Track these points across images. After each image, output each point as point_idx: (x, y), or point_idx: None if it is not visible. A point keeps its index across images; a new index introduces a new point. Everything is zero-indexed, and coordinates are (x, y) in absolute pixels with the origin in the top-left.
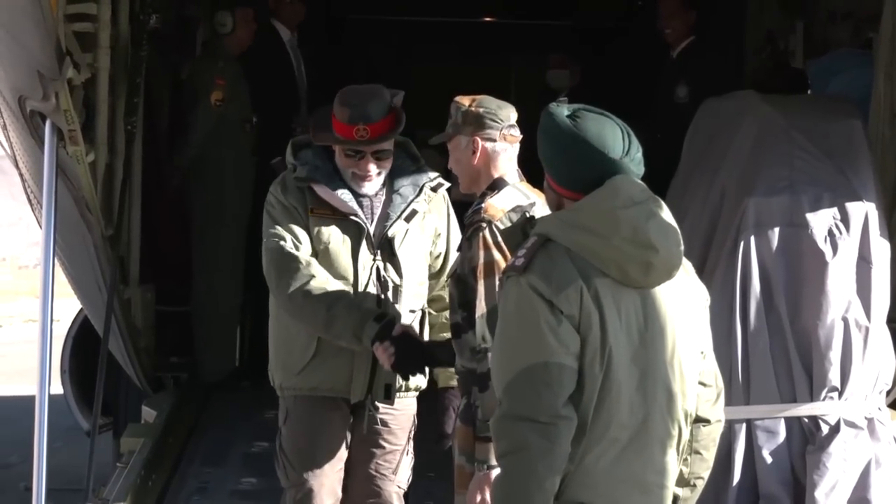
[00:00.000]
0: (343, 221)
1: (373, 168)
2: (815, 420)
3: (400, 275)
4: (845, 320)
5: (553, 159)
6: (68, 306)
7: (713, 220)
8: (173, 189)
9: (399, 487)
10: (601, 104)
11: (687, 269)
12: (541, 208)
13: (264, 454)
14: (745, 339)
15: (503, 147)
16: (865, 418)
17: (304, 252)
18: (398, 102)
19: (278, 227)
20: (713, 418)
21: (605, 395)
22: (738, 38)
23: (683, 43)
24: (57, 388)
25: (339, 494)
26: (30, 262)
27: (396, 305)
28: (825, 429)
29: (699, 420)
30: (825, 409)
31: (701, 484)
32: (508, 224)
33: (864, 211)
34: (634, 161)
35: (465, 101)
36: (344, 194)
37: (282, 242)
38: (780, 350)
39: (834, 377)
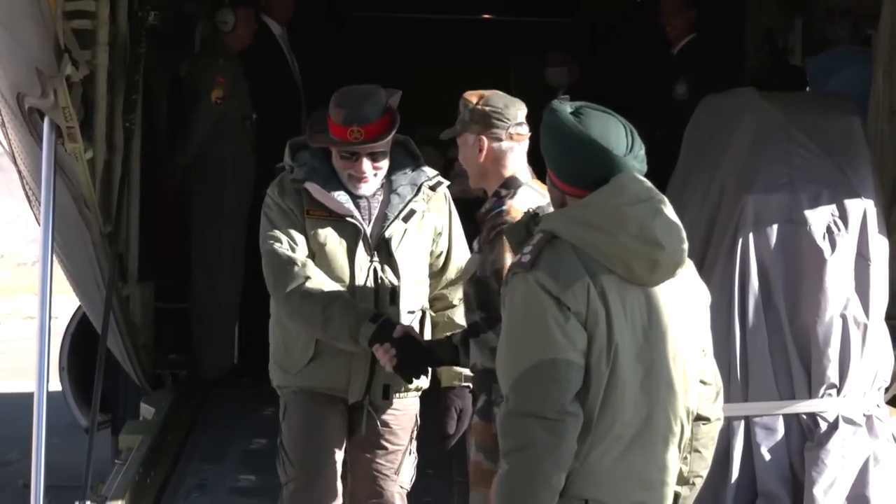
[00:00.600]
0: (340, 223)
1: (368, 169)
2: (813, 417)
3: (398, 275)
4: (844, 317)
5: (557, 156)
6: (67, 303)
7: (712, 217)
8: (173, 186)
9: (402, 487)
10: (600, 101)
11: (689, 267)
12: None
13: (263, 451)
14: (743, 336)
15: (510, 146)
16: (864, 415)
17: (301, 254)
18: (395, 103)
19: (275, 230)
20: (713, 416)
21: (611, 393)
22: (738, 36)
23: (684, 40)
24: (55, 385)
25: (339, 492)
26: (28, 259)
27: (395, 306)
28: (824, 426)
29: (699, 418)
30: (824, 406)
31: (699, 482)
32: None
33: (862, 208)
34: (638, 158)
35: (472, 97)
36: (340, 195)
37: (278, 245)
38: (778, 347)
39: (832, 374)
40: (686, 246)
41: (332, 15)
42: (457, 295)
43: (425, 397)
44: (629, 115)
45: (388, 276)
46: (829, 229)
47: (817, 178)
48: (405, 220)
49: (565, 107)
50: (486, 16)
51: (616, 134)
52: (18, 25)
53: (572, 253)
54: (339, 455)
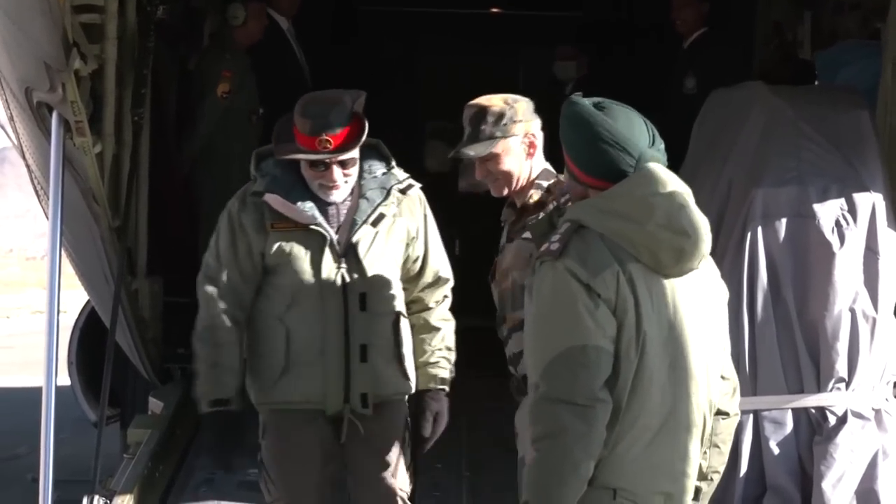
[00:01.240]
0: (305, 232)
1: (339, 177)
2: (822, 411)
3: (366, 281)
4: (852, 311)
5: (582, 149)
6: (75, 298)
7: (721, 211)
8: (181, 180)
9: (402, 490)
10: (608, 95)
11: (710, 261)
12: None
13: None
14: (752, 329)
15: (541, 137)
16: (873, 409)
17: (228, 283)
18: (360, 107)
19: (215, 253)
20: (732, 412)
21: (639, 381)
22: (748, 30)
23: (695, 34)
24: (64, 379)
25: None
26: (37, 253)
27: (364, 311)
28: (832, 420)
29: (719, 413)
30: (832, 399)
31: (717, 478)
32: None
33: (871, 202)
34: (660, 151)
35: (496, 102)
36: (304, 204)
37: (208, 276)
38: (787, 341)
39: (841, 368)
40: (710, 237)
41: (343, 9)
42: (433, 298)
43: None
44: (637, 109)
45: (357, 281)
46: (837, 223)
47: (826, 172)
48: (374, 224)
49: (586, 100)
50: (495, 10)
51: (639, 126)
52: (27, 19)
53: (600, 241)
54: (325, 470)
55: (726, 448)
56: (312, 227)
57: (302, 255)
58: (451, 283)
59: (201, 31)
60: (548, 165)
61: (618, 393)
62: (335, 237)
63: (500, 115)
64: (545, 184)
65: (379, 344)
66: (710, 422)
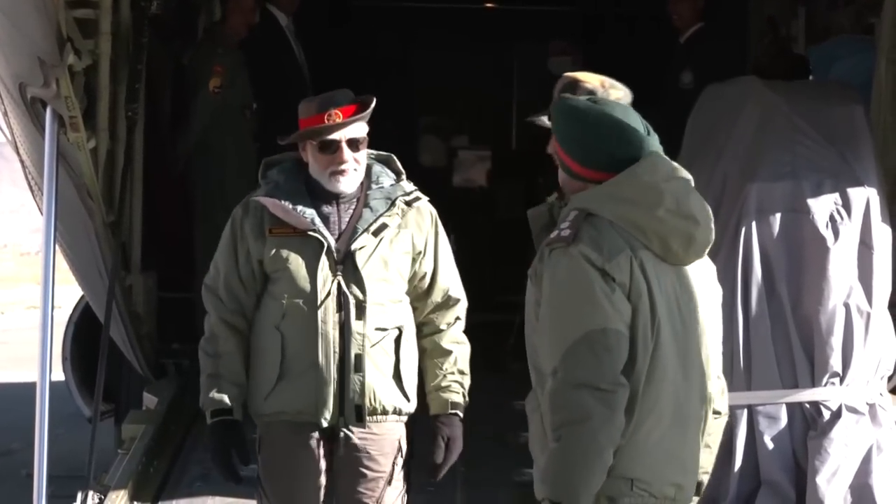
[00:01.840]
0: (303, 238)
1: (350, 158)
2: (816, 406)
3: (364, 291)
4: (847, 306)
5: (580, 142)
6: (70, 293)
7: (715, 206)
8: (175, 176)
9: None
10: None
11: (708, 259)
12: None
13: None
14: (746, 324)
15: None
16: (867, 404)
17: (228, 291)
18: (367, 100)
19: (217, 260)
20: (723, 411)
21: (654, 368)
22: (743, 25)
23: (691, 29)
24: (58, 374)
25: None
26: (31, 248)
27: (360, 321)
28: (827, 414)
29: (713, 412)
30: (827, 394)
31: (706, 479)
32: None
33: (865, 196)
34: (657, 139)
35: (596, 80)
36: (304, 210)
37: (208, 284)
38: (781, 336)
39: (835, 363)
40: (713, 224)
41: (338, 5)
42: (444, 319)
43: (413, 424)
44: (633, 103)
45: (354, 290)
46: (832, 218)
47: (820, 167)
48: (375, 233)
49: (579, 97)
50: (490, 5)
51: (634, 117)
52: (21, 14)
53: (611, 227)
54: (319, 490)
55: (715, 448)
56: (311, 232)
57: (298, 262)
58: (464, 304)
59: (196, 26)
60: None
61: (635, 379)
62: (334, 244)
63: (591, 93)
64: None
65: (376, 356)
66: (710, 417)
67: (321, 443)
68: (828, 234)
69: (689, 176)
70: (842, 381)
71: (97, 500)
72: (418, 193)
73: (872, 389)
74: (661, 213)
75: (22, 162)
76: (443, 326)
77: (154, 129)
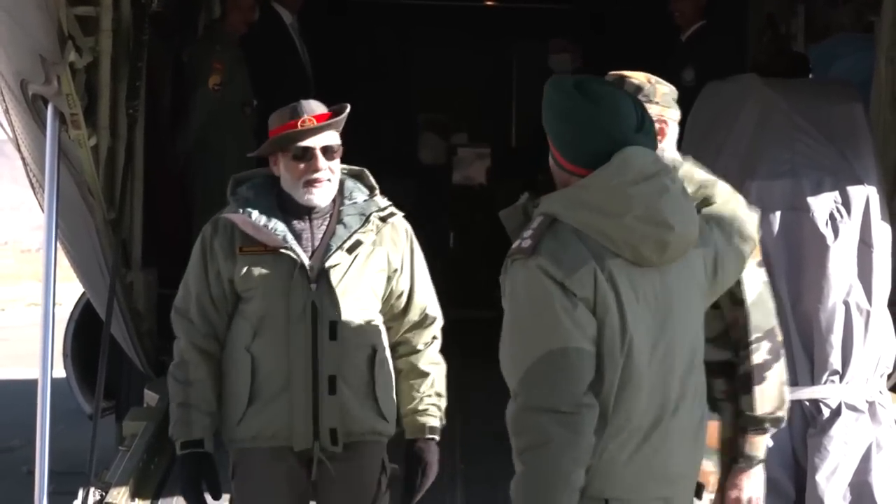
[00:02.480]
0: (275, 256)
1: (324, 166)
2: (816, 404)
3: (338, 309)
4: (846, 304)
5: (564, 133)
6: (71, 290)
7: None
8: (175, 173)
9: None
10: None
11: (698, 250)
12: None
13: None
14: None
15: (675, 129)
16: (867, 402)
17: (199, 313)
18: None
19: (188, 281)
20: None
21: (626, 383)
22: (743, 23)
23: (693, 27)
24: (59, 371)
25: None
26: (32, 245)
27: (334, 341)
28: (826, 412)
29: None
30: (826, 392)
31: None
32: None
33: (865, 195)
34: (650, 135)
35: (642, 76)
36: (275, 226)
37: (179, 306)
38: (781, 333)
39: (835, 361)
40: (697, 224)
41: (337, 1)
42: (421, 339)
43: (394, 446)
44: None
45: (327, 309)
46: (831, 216)
47: (820, 165)
48: (350, 250)
49: (567, 80)
50: (489, 3)
51: (625, 108)
52: (22, 11)
53: (575, 237)
54: None
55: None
56: (283, 250)
57: (270, 280)
58: (440, 323)
59: (196, 23)
60: (677, 156)
61: (604, 396)
62: (307, 262)
63: (638, 89)
64: None
65: (350, 377)
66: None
67: (298, 468)
68: (827, 232)
69: (668, 170)
70: (841, 378)
71: (98, 497)
72: (393, 209)
73: (872, 387)
74: (629, 220)
75: (23, 159)
76: (420, 346)
77: (154, 127)
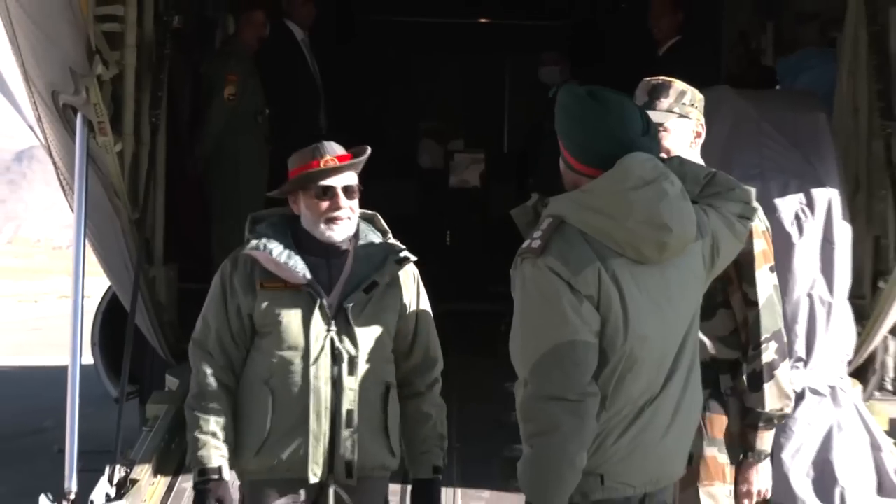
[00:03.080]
0: (295, 293)
1: (345, 204)
2: None
3: (356, 346)
4: (810, 297)
5: (575, 136)
6: (98, 284)
7: None
8: (194, 176)
9: None
10: None
11: (697, 247)
12: None
13: None
14: None
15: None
16: (829, 386)
17: (218, 346)
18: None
19: (206, 315)
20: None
21: (627, 372)
22: (717, 38)
23: (670, 41)
24: (88, 358)
25: None
26: (63, 243)
27: (353, 377)
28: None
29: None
30: (792, 378)
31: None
32: None
33: (828, 197)
34: (655, 139)
35: (680, 83)
36: (296, 264)
37: (198, 339)
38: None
39: (800, 348)
40: (695, 225)
41: (346, 19)
42: (424, 381)
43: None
44: None
45: (347, 346)
46: (797, 216)
47: (786, 169)
48: (367, 290)
49: (580, 88)
50: (484, 20)
51: (632, 114)
52: (54, 28)
53: (581, 238)
54: None
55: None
56: (303, 287)
57: (290, 317)
58: (440, 365)
59: (212, 39)
60: (702, 162)
61: (603, 383)
62: (326, 300)
63: (683, 94)
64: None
65: (365, 412)
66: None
67: (307, 501)
68: (793, 230)
69: (667, 174)
70: (806, 365)
71: (123, 474)
72: (407, 253)
73: (834, 373)
74: (631, 224)
75: (55, 163)
76: (423, 388)
77: (175, 133)
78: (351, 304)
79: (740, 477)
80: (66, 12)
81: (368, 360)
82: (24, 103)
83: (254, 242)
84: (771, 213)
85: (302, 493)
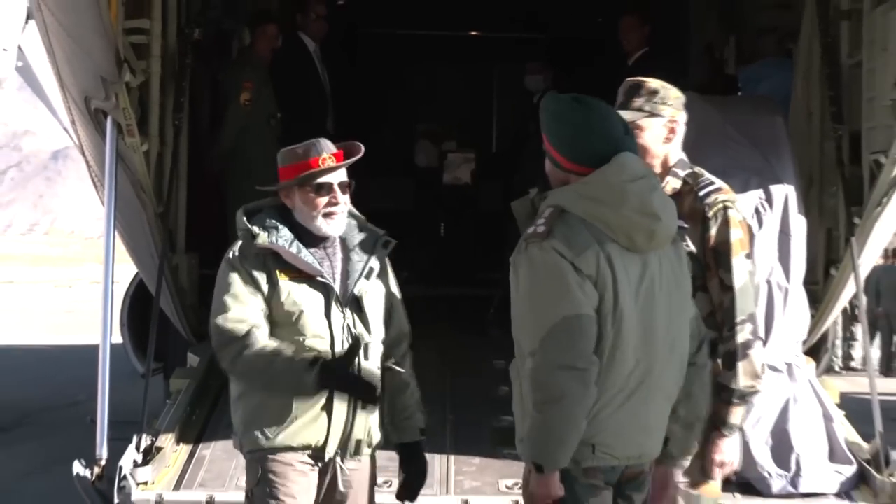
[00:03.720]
0: (311, 282)
1: (341, 199)
2: None
3: (369, 331)
4: (769, 283)
5: (567, 137)
6: (126, 271)
7: None
8: (213, 174)
9: None
10: None
11: (677, 240)
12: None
13: None
14: None
15: (683, 130)
16: (785, 363)
17: (248, 323)
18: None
19: (226, 299)
20: (699, 362)
21: (616, 349)
22: (684, 49)
23: (638, 53)
24: (117, 338)
25: None
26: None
27: (368, 361)
28: None
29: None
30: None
31: (699, 426)
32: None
33: (784, 192)
34: (633, 138)
35: (651, 83)
36: (307, 256)
37: (221, 318)
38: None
39: (759, 329)
40: (676, 217)
41: (349, 32)
42: (399, 353)
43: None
44: None
45: (360, 331)
46: (756, 210)
47: (747, 167)
48: (367, 277)
49: (564, 95)
50: (474, 33)
51: (613, 115)
52: (87, 40)
53: (582, 224)
54: None
55: (703, 395)
56: (318, 278)
57: (313, 305)
58: (409, 339)
59: (230, 49)
60: (684, 156)
61: (597, 358)
62: (338, 289)
63: (654, 92)
64: (682, 173)
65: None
66: (682, 379)
67: (317, 477)
68: (753, 222)
69: (653, 174)
70: (764, 344)
71: (149, 442)
72: (388, 237)
73: (790, 351)
74: (626, 211)
75: (87, 162)
76: (399, 359)
77: (195, 135)
78: (360, 292)
79: (714, 448)
80: (98, 26)
81: (377, 345)
82: (59, 108)
83: (263, 235)
84: None
85: (314, 468)
